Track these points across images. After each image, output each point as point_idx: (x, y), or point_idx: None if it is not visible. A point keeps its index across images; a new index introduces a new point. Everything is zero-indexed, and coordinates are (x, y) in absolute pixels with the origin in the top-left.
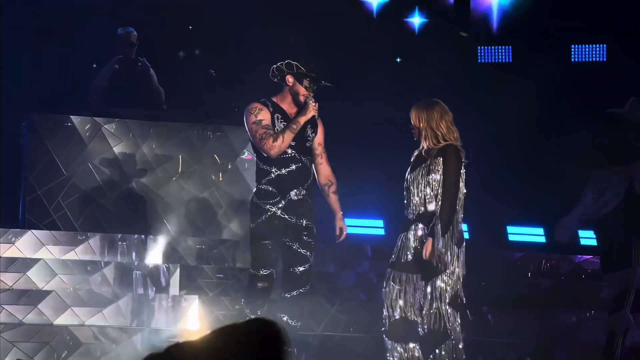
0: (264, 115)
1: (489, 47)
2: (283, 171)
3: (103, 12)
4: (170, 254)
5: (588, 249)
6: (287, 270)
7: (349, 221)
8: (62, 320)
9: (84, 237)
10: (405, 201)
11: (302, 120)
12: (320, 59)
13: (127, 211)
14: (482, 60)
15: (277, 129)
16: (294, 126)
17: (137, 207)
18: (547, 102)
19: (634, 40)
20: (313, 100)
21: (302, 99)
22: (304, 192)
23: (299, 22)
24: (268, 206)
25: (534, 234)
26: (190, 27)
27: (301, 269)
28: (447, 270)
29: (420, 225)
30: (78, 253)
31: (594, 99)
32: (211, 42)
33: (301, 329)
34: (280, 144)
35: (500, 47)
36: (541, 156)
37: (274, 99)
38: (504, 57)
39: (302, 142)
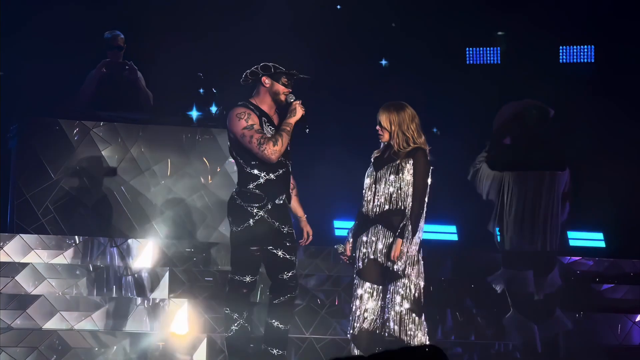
0: (254, 120)
1: (477, 49)
2: (272, 176)
3: (90, 15)
4: (159, 258)
5: (577, 251)
6: (274, 277)
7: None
8: (51, 324)
9: (72, 241)
10: (366, 199)
11: (293, 121)
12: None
13: (116, 215)
14: (471, 62)
15: (266, 133)
16: (288, 128)
17: (126, 211)
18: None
19: (621, 42)
20: (294, 98)
21: (282, 97)
22: (284, 197)
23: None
24: (255, 210)
25: None
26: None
27: (289, 274)
28: (410, 276)
29: (380, 227)
30: (67, 257)
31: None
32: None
33: (291, 332)
34: (281, 148)
35: (489, 48)
36: None
37: (253, 101)
38: (492, 58)
39: (287, 146)
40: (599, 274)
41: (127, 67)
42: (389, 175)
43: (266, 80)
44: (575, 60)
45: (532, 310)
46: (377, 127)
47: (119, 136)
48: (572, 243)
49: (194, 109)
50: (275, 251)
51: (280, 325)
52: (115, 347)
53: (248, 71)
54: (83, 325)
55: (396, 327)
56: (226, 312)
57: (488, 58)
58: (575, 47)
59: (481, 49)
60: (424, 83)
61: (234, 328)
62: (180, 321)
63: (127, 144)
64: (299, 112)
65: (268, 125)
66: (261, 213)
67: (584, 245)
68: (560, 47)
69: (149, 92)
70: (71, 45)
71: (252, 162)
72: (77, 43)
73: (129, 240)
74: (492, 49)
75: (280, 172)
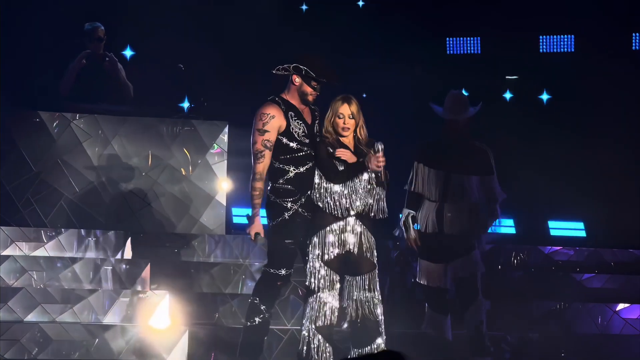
0: (272, 126)
1: (458, 39)
2: (301, 169)
3: (69, 5)
4: (141, 250)
5: (558, 240)
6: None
7: None
8: (33, 317)
9: (53, 233)
10: (346, 192)
11: (250, 218)
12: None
13: (97, 207)
14: (451, 52)
15: (292, 128)
16: (253, 206)
17: (107, 203)
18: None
19: (602, 31)
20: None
21: (310, 98)
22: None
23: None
24: (290, 204)
25: (505, 225)
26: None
27: None
28: (376, 270)
29: (358, 221)
30: (48, 249)
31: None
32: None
33: (273, 323)
34: (252, 183)
35: (469, 38)
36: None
37: (284, 96)
38: (473, 48)
39: (314, 140)
40: (580, 264)
41: (107, 58)
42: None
43: (296, 79)
44: (555, 49)
45: (443, 302)
46: (347, 120)
47: (99, 128)
48: (552, 233)
49: (186, 99)
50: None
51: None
52: (97, 339)
53: (281, 66)
54: (64, 318)
55: (366, 313)
56: (255, 302)
57: (468, 48)
58: (555, 36)
59: (461, 38)
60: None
61: (257, 319)
62: (162, 313)
63: (107, 136)
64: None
65: (295, 120)
66: (295, 207)
67: (564, 235)
68: (540, 37)
69: (129, 83)
70: (51, 36)
71: (281, 157)
72: (56, 34)
73: (110, 233)
74: (472, 38)
75: (310, 165)
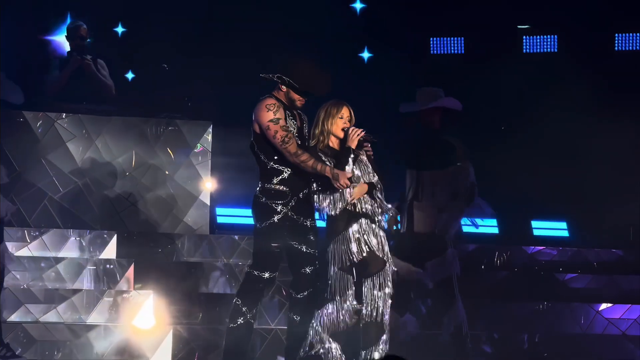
0: (281, 114)
1: (442, 39)
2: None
3: (52, 4)
4: (125, 250)
5: (541, 240)
6: (296, 271)
7: None
8: (16, 317)
9: (37, 233)
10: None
11: (328, 172)
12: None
13: (81, 207)
14: (434, 52)
15: (287, 127)
16: (316, 167)
17: (91, 203)
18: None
19: (584, 31)
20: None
21: (298, 104)
22: (307, 190)
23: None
24: (280, 207)
25: (488, 225)
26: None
27: (311, 268)
28: (386, 267)
29: (367, 221)
30: (31, 249)
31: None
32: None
33: (256, 324)
34: (298, 160)
35: (453, 38)
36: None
37: (276, 94)
38: (457, 48)
39: (304, 142)
40: (563, 264)
41: (86, 58)
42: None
43: (283, 87)
44: (538, 50)
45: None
46: (347, 121)
47: (83, 128)
48: (535, 233)
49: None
50: (298, 246)
51: (301, 320)
52: (80, 339)
53: (266, 75)
54: (48, 318)
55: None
56: (237, 303)
57: (452, 48)
58: (538, 37)
59: (445, 38)
60: (391, 75)
61: (240, 321)
62: (146, 313)
63: (91, 136)
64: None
65: (291, 119)
66: (285, 209)
67: (547, 235)
68: (524, 37)
69: (111, 82)
70: (32, 35)
71: (275, 157)
72: (38, 33)
73: (94, 232)
74: (456, 39)
75: None
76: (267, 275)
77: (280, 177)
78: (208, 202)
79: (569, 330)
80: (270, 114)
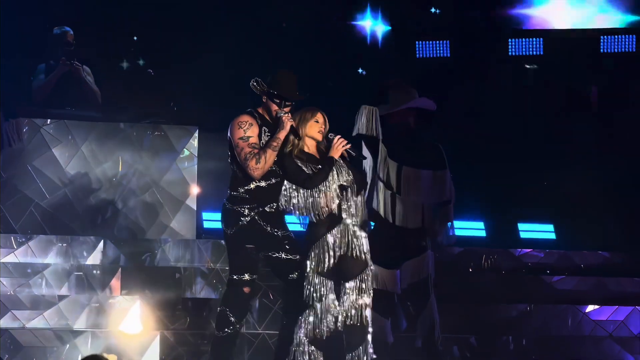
0: (253, 132)
1: (427, 42)
2: (263, 183)
3: (37, 10)
4: (111, 255)
5: (528, 243)
6: (284, 279)
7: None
8: (3, 323)
9: (24, 239)
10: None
11: (281, 135)
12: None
13: (67, 213)
14: (420, 55)
15: (262, 142)
16: (274, 143)
17: (77, 209)
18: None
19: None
20: (284, 112)
21: (273, 114)
22: (275, 205)
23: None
24: (247, 211)
25: (474, 228)
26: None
27: (298, 272)
28: (368, 269)
29: (348, 224)
30: (18, 255)
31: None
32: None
33: (243, 328)
34: (263, 165)
35: (438, 42)
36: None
37: (260, 111)
38: (442, 51)
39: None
40: (550, 266)
41: (75, 64)
42: (344, 174)
43: (263, 97)
44: (525, 52)
45: (389, 305)
46: (322, 127)
47: (69, 134)
48: (522, 235)
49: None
50: (277, 254)
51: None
52: (67, 345)
53: (251, 83)
54: (35, 324)
55: (354, 319)
56: (225, 311)
57: (438, 51)
58: (524, 39)
59: (431, 42)
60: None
61: (228, 330)
62: (133, 319)
63: (77, 142)
64: (287, 124)
65: (267, 134)
66: (252, 214)
67: (534, 237)
68: (510, 40)
69: (96, 89)
70: (15, 41)
71: (244, 169)
72: (22, 39)
73: (81, 238)
74: (442, 42)
75: (273, 181)
76: (247, 277)
77: (246, 187)
78: (194, 207)
79: (556, 332)
80: (241, 132)
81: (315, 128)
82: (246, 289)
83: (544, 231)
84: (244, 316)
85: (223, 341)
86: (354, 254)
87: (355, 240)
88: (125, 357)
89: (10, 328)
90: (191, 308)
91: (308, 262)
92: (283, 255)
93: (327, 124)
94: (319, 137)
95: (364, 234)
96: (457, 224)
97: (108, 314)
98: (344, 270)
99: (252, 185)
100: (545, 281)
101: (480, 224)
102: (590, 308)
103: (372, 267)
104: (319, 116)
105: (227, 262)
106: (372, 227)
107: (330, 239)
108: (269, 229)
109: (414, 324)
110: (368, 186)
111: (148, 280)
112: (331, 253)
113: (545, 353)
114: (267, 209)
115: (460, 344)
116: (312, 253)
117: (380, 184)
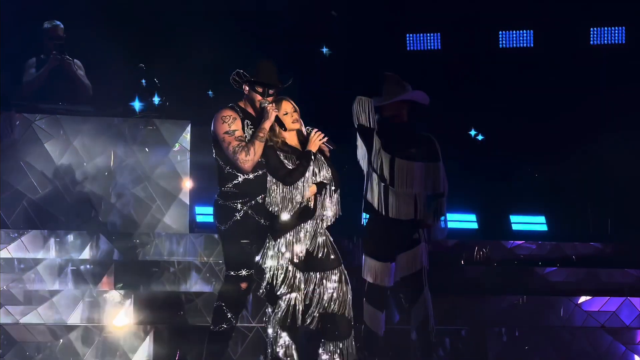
0: (237, 125)
1: (418, 35)
2: (250, 176)
3: (28, 5)
4: (104, 249)
5: (520, 235)
6: None
7: None
8: None
9: (16, 234)
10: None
11: (267, 125)
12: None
13: (60, 207)
14: (411, 48)
15: (246, 137)
16: (261, 134)
17: (70, 203)
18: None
19: (560, 26)
20: (267, 101)
21: (257, 105)
22: (264, 196)
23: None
24: (239, 205)
25: (467, 220)
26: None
27: None
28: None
29: (318, 219)
30: (10, 251)
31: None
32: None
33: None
34: (253, 157)
35: (429, 34)
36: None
37: (241, 104)
38: (433, 44)
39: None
40: (542, 257)
41: (66, 58)
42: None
43: (245, 87)
44: (515, 45)
45: (382, 298)
46: (294, 114)
47: (61, 128)
48: (514, 227)
49: (137, 100)
50: None
51: None
52: (61, 340)
53: (231, 77)
54: (29, 319)
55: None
56: (221, 307)
57: (428, 44)
58: (514, 32)
59: (421, 35)
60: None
61: (224, 326)
62: (126, 313)
63: (69, 136)
64: (272, 114)
65: (250, 128)
66: (245, 208)
67: (526, 229)
68: (500, 32)
69: (88, 83)
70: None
71: (231, 163)
72: (9, 33)
73: (73, 233)
74: (432, 34)
75: (260, 172)
76: (244, 272)
77: (235, 181)
78: (187, 201)
79: (548, 323)
80: (225, 126)
81: (286, 120)
82: (243, 285)
83: (535, 223)
84: (240, 311)
85: (219, 336)
86: (324, 250)
87: (324, 237)
88: (119, 352)
89: (4, 323)
90: (184, 302)
91: (272, 251)
92: None
93: (297, 109)
94: (297, 126)
95: (330, 237)
96: (449, 216)
97: (102, 309)
98: (316, 263)
99: (240, 179)
100: (538, 273)
101: (472, 217)
102: (582, 299)
103: (342, 265)
104: (285, 105)
105: (220, 256)
106: (367, 220)
107: (303, 232)
108: (262, 221)
109: (407, 317)
110: (365, 180)
111: (141, 275)
112: (303, 247)
113: (537, 344)
114: (259, 199)
115: (452, 335)
116: (281, 241)
117: (374, 176)
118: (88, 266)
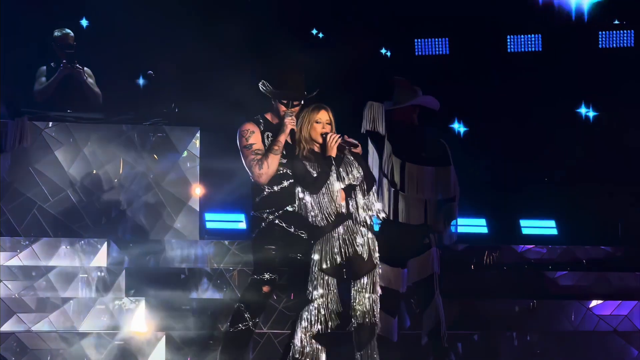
0: (255, 138)
1: (426, 40)
2: (275, 189)
3: (37, 14)
4: (115, 257)
5: (530, 239)
6: (300, 281)
7: None
8: (8, 326)
9: (27, 242)
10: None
11: (282, 138)
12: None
13: (70, 215)
14: (420, 53)
15: (259, 150)
16: (275, 147)
17: (80, 211)
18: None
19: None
20: (290, 112)
21: (282, 113)
22: (295, 206)
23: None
24: (266, 215)
25: (477, 225)
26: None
27: None
28: (376, 269)
29: (355, 223)
30: (22, 258)
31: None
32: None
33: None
34: (267, 170)
35: (438, 39)
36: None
37: (267, 116)
38: (442, 49)
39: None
40: (552, 262)
41: (77, 66)
42: (354, 171)
43: (272, 100)
44: (524, 49)
45: (394, 304)
46: (325, 125)
47: (71, 136)
48: (524, 231)
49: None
50: (294, 256)
51: None
52: (73, 347)
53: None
54: (40, 327)
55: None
56: (240, 308)
57: (436, 49)
58: (523, 36)
59: (429, 39)
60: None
61: (241, 326)
62: (138, 320)
63: (79, 144)
64: (287, 127)
65: (270, 139)
66: (271, 217)
67: (536, 234)
68: (508, 36)
69: (98, 91)
70: (12, 43)
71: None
72: (18, 41)
73: (84, 240)
74: (440, 39)
75: (286, 184)
76: (267, 276)
77: (262, 195)
78: (197, 208)
79: (560, 327)
80: (244, 141)
81: (317, 129)
82: (265, 288)
83: (545, 227)
84: (258, 314)
85: (234, 337)
86: (361, 253)
87: (360, 238)
88: (130, 359)
89: (16, 331)
90: (196, 308)
91: (312, 257)
92: (298, 256)
93: (333, 122)
94: (319, 140)
95: (370, 235)
96: (459, 221)
97: (113, 316)
98: (351, 268)
99: (265, 192)
100: (548, 277)
101: (482, 221)
102: (593, 303)
103: (379, 267)
104: (322, 115)
105: (230, 263)
106: (379, 225)
107: (335, 236)
108: (292, 228)
109: (418, 322)
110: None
111: (153, 282)
112: (336, 251)
113: (549, 348)
114: (289, 208)
115: (464, 340)
116: (316, 247)
117: (385, 181)
118: (99, 273)
